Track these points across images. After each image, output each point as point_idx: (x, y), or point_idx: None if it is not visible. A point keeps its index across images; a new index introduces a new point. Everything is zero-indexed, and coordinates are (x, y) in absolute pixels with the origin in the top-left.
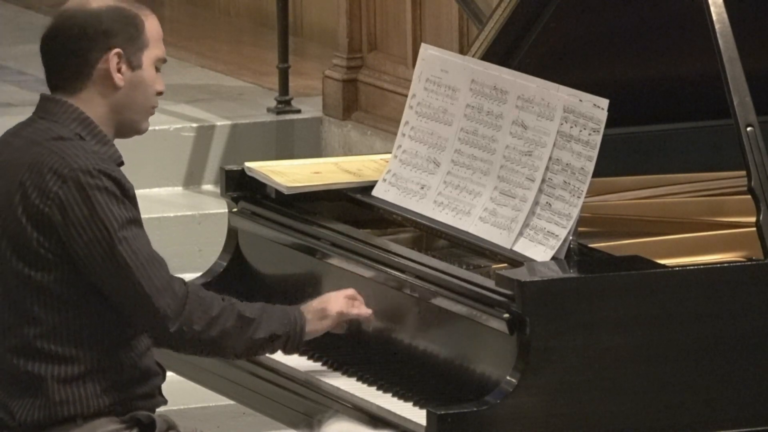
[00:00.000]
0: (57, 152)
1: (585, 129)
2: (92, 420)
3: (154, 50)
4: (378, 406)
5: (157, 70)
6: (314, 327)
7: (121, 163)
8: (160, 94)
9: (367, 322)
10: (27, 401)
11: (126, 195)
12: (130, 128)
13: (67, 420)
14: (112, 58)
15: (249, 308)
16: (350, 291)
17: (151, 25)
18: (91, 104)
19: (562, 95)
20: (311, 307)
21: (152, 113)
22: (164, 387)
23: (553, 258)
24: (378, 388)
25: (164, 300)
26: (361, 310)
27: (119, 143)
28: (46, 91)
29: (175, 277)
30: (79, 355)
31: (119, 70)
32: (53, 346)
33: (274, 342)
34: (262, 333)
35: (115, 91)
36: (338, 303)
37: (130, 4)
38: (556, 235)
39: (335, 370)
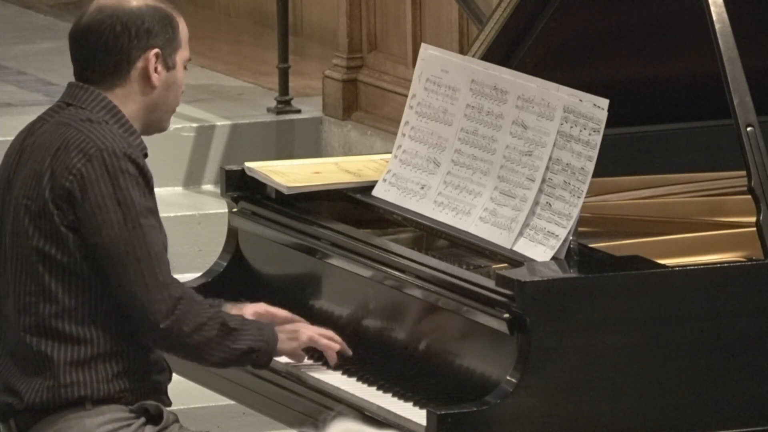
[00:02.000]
0: (84, 132)
1: (585, 129)
2: (101, 405)
3: (185, 51)
4: (378, 406)
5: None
6: (284, 346)
7: (146, 155)
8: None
9: (331, 360)
10: (36, 382)
11: (147, 184)
12: (156, 127)
13: (76, 403)
14: (151, 57)
15: (232, 318)
16: (329, 331)
17: (183, 27)
18: (125, 101)
19: (562, 95)
20: (284, 328)
21: (174, 112)
22: None
23: (553, 258)
24: (378, 388)
25: (161, 295)
26: (330, 344)
27: None
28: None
29: (174, 278)
30: (93, 338)
31: (156, 70)
32: (67, 326)
33: (249, 355)
34: (241, 344)
35: (151, 90)
36: (310, 329)
37: (165, 3)
38: (556, 235)
39: (335, 370)
